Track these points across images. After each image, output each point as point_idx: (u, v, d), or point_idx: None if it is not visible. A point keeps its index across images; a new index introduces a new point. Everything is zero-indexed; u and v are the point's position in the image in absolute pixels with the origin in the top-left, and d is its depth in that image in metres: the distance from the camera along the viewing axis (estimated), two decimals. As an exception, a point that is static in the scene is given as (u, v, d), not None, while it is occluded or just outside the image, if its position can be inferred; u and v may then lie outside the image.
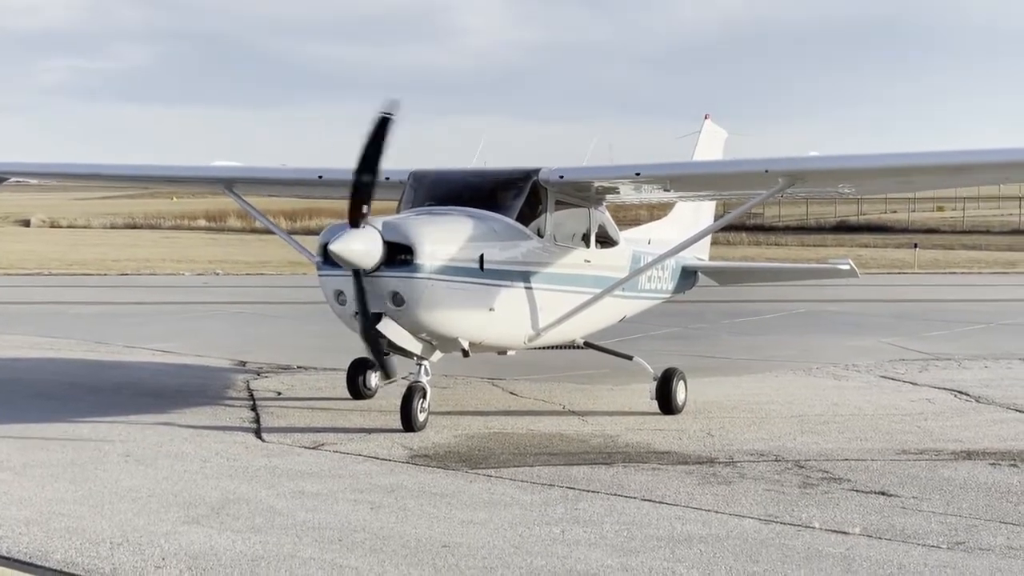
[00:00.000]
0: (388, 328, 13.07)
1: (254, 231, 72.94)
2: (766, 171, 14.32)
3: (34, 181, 20.20)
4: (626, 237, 17.00)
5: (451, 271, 13.19)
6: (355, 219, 12.61)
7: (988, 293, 36.36)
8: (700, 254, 19.92)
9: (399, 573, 8.39)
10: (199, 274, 42.58)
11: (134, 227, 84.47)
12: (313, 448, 12.75)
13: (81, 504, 10.16)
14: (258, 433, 13.58)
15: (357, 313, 13.07)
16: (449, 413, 14.79)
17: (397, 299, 12.93)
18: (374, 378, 15.93)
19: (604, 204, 16.23)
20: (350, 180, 12.68)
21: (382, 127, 12.50)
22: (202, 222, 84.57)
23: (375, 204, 17.03)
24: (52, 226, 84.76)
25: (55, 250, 54.47)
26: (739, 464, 12.15)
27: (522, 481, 11.28)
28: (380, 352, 12.94)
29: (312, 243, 14.58)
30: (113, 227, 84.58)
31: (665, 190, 15.78)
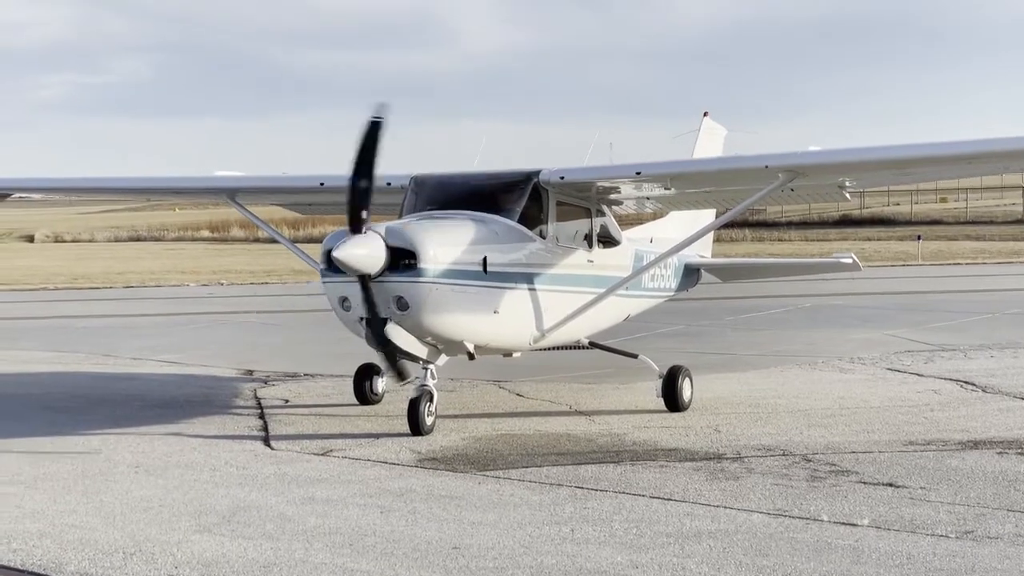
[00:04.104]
0: (393, 333, 13.12)
1: (257, 240, 73.06)
2: (766, 167, 14.36)
3: (37, 196, 20.30)
4: (628, 236, 17.04)
5: (455, 275, 13.23)
6: (356, 225, 12.61)
7: (992, 283, 36.37)
8: (703, 251, 19.97)
9: (410, 576, 8.44)
10: (204, 285, 42.66)
11: (138, 239, 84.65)
12: (322, 454, 12.80)
13: (93, 515, 10.21)
14: (267, 441, 13.63)
15: (362, 318, 13.12)
16: (456, 416, 14.84)
17: (402, 304, 12.97)
18: (380, 383, 15.99)
19: (607, 205, 16.29)
20: (347, 186, 12.70)
21: (373, 132, 12.44)
22: (205, 233, 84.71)
23: (377, 210, 17.10)
24: (56, 241, 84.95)
25: (60, 265, 54.57)
26: (746, 459, 12.18)
27: (531, 482, 11.32)
28: (393, 357, 12.97)
29: (315, 250, 14.64)
30: (117, 240, 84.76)
31: (666, 189, 15.81)
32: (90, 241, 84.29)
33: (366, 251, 12.69)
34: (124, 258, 60.53)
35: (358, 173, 12.51)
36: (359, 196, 12.57)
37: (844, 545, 8.99)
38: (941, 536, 9.20)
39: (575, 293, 14.99)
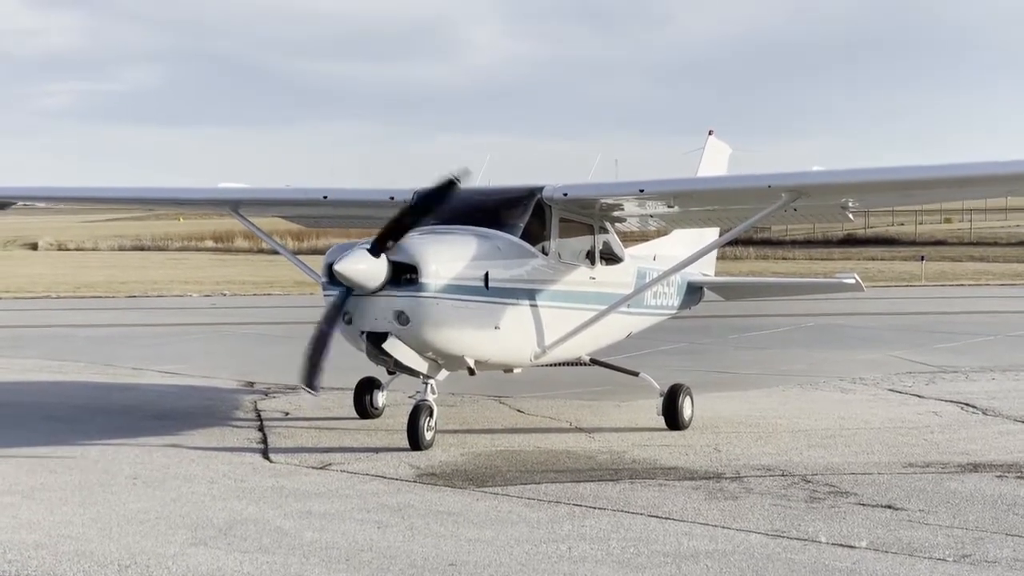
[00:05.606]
0: (394, 347, 13.12)
1: (261, 251, 73.11)
2: (769, 186, 14.37)
3: (41, 204, 20.35)
4: (631, 254, 17.03)
5: (456, 290, 13.22)
6: (378, 246, 12.78)
7: (995, 305, 36.35)
8: (706, 269, 19.96)
9: (406, 592, 8.41)
10: (207, 295, 42.67)
11: (141, 249, 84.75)
12: (320, 468, 12.78)
13: (89, 527, 10.19)
14: (265, 454, 13.62)
15: (363, 332, 13.13)
16: (456, 431, 14.82)
17: (402, 318, 12.97)
18: (381, 397, 16.00)
19: (610, 222, 16.28)
20: (393, 208, 13.40)
21: (447, 187, 12.88)
22: (209, 243, 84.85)
23: (381, 224, 17.10)
24: (60, 249, 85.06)
25: (63, 273, 54.58)
26: (746, 479, 12.16)
27: (529, 499, 11.30)
28: (318, 360, 13.11)
29: (318, 263, 14.64)
30: (121, 249, 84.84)
31: (669, 207, 15.80)
32: (94, 250, 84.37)
33: (367, 265, 12.73)
34: (127, 267, 60.56)
35: (413, 210, 13.10)
36: (399, 227, 12.90)
37: (842, 567, 8.96)
38: (939, 559, 9.17)
39: (577, 310, 14.97)
